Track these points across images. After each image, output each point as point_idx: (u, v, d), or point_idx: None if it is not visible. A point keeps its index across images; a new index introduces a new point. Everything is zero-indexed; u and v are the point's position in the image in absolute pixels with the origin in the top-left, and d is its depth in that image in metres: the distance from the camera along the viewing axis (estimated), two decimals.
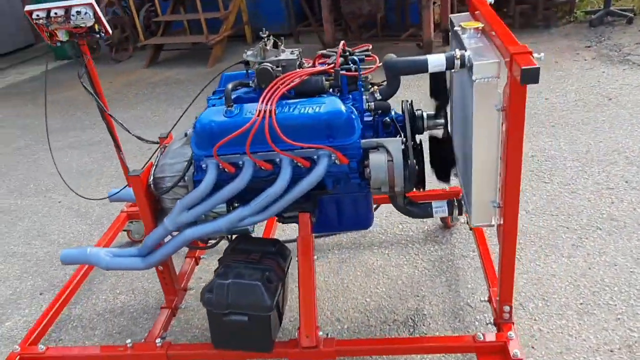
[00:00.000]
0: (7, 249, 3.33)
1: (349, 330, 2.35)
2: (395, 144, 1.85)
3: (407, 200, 2.04)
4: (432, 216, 2.05)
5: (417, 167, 1.89)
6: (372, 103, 1.95)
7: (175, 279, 2.32)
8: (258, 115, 1.78)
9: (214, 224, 1.96)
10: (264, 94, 1.83)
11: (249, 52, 2.00)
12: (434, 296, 2.47)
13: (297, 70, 1.92)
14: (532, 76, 1.41)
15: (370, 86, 1.99)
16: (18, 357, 2.13)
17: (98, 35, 2.61)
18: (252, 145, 1.81)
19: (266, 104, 1.80)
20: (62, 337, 2.54)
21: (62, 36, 2.59)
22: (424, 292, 2.50)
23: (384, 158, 1.84)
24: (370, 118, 2.01)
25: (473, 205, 1.87)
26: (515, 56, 1.49)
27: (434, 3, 5.52)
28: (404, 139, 1.88)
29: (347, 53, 2.02)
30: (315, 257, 2.80)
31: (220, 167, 1.89)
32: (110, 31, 2.65)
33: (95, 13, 2.52)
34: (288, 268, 2.12)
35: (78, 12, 2.49)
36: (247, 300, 1.89)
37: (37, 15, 2.49)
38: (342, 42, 2.04)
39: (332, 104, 1.83)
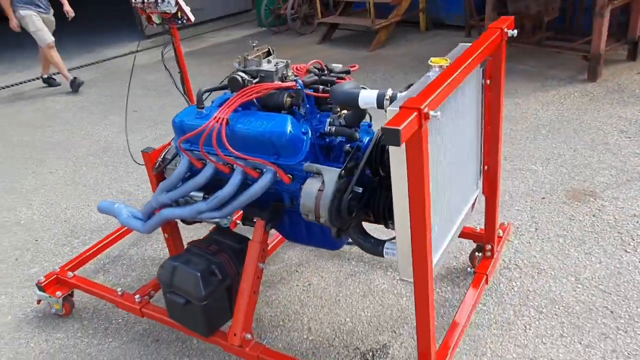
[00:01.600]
0: (122, 187, 4.04)
1: (310, 342, 2.36)
2: (330, 175, 1.79)
3: (359, 231, 1.94)
4: (382, 255, 1.92)
5: (350, 202, 1.79)
6: (334, 127, 1.89)
7: (179, 247, 2.60)
8: (214, 121, 1.90)
9: (178, 211, 2.16)
10: (227, 102, 1.93)
11: (237, 59, 2.09)
12: (410, 338, 2.31)
13: (263, 83, 1.95)
14: (391, 137, 1.26)
15: (338, 110, 1.92)
16: (55, 275, 2.68)
17: (180, 22, 2.96)
18: (213, 148, 1.93)
19: (224, 111, 1.90)
20: (110, 269, 3.07)
21: (155, 19, 3.01)
22: (404, 330, 2.35)
23: (316, 186, 1.79)
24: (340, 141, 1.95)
25: (399, 258, 1.72)
26: (402, 109, 1.33)
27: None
28: (343, 171, 1.79)
29: (324, 71, 1.98)
30: (330, 263, 2.83)
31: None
32: (193, 19, 2.98)
33: (177, 2, 2.86)
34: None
35: (163, 0, 2.85)
36: (184, 286, 2.07)
37: (135, 0, 2.93)
38: (317, 60, 1.99)
39: (280, 122, 1.84)
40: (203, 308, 2.06)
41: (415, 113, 1.31)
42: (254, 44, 2.08)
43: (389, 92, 1.63)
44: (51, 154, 4.84)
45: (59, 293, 2.63)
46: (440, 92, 1.42)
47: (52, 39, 6.30)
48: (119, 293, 2.46)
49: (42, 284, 2.63)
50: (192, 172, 2.13)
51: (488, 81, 1.97)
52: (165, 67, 3.04)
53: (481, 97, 1.99)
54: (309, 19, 8.00)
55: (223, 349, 2.16)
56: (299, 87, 1.86)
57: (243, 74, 1.97)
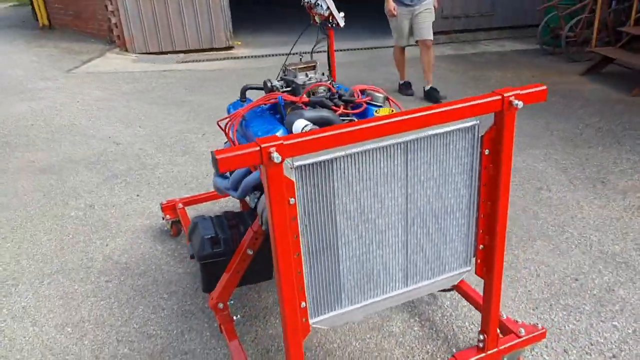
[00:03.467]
0: None
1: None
2: None
3: None
4: None
5: None
6: None
7: None
8: (234, 115, 2.18)
9: (219, 182, 2.51)
10: (252, 102, 2.17)
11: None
12: None
13: (275, 92, 2.11)
14: (214, 162, 1.35)
15: None
16: (173, 203, 3.38)
17: (330, 25, 3.20)
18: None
19: (245, 109, 2.15)
20: None
21: (317, 19, 3.32)
22: None
23: None
24: None
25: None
26: (254, 142, 1.39)
27: None
28: None
29: (335, 95, 2.01)
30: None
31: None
32: (342, 24, 3.19)
33: (328, 7, 3.10)
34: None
35: (317, 4, 3.14)
36: (194, 241, 2.44)
37: (303, 0, 3.28)
38: (325, 82, 2.02)
39: (269, 130, 2.00)
40: (202, 266, 2.41)
41: (257, 149, 1.36)
42: (301, 57, 2.23)
43: (309, 127, 1.63)
44: None
45: (168, 217, 3.34)
46: (312, 139, 1.40)
47: (405, 43, 5.78)
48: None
49: (162, 205, 3.37)
50: None
51: (486, 151, 1.71)
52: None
53: (477, 167, 1.74)
54: (587, 45, 7.08)
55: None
56: (280, 103, 1.97)
57: (275, 81, 2.17)
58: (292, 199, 1.50)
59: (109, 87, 7.17)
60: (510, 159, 1.71)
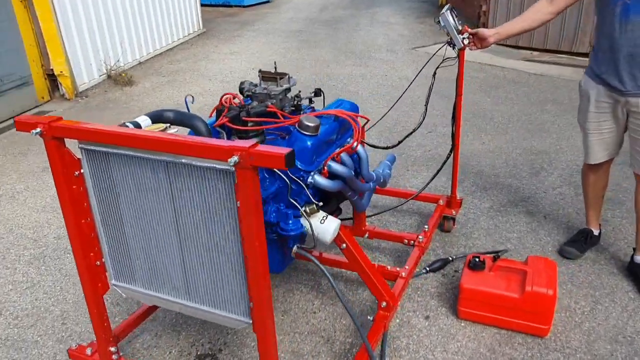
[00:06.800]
0: None
1: None
2: None
3: None
4: None
5: None
6: None
7: None
8: None
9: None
10: None
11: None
12: None
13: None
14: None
15: None
16: None
17: (451, 45, 2.84)
18: None
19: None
20: None
21: None
22: None
23: None
24: None
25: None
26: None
27: None
28: None
29: (242, 110, 2.05)
30: None
31: None
32: (458, 46, 2.80)
33: (444, 26, 2.76)
34: None
35: (438, 21, 2.82)
36: None
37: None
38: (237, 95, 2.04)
39: None
40: None
41: (32, 122, 1.75)
42: (275, 65, 2.27)
43: (145, 122, 1.85)
44: None
45: None
46: (62, 127, 1.70)
47: (598, 158, 2.92)
48: None
49: None
50: None
51: (238, 203, 1.55)
52: (432, 81, 3.09)
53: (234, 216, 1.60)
54: None
55: None
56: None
57: (251, 86, 2.30)
58: (77, 172, 1.83)
59: (418, 67, 7.63)
60: (251, 219, 1.49)
